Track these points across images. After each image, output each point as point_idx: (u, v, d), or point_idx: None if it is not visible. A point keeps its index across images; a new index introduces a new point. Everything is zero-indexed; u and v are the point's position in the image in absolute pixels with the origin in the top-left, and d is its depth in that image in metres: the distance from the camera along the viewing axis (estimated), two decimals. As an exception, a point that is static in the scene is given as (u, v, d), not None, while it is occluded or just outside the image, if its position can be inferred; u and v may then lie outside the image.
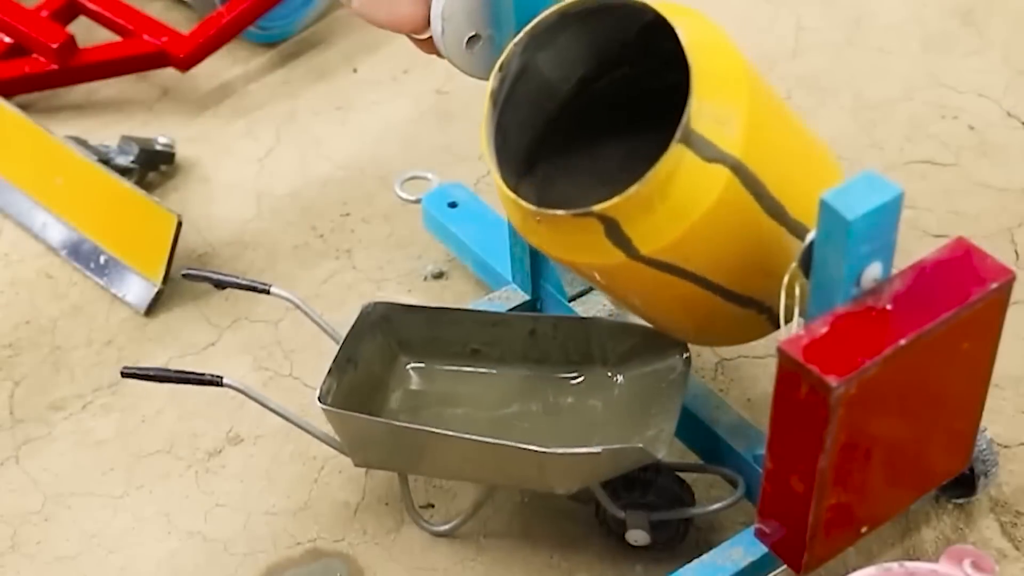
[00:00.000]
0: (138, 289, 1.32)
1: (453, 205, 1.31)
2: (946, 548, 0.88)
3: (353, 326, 1.09)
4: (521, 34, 0.92)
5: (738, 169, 0.86)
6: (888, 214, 0.80)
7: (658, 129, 0.88)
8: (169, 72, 1.57)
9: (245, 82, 1.59)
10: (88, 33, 1.60)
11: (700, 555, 1.01)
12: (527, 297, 1.21)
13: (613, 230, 0.87)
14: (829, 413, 0.80)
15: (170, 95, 1.58)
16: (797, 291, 0.87)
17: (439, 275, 1.34)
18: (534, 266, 1.19)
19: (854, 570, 0.84)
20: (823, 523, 0.88)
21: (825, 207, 0.79)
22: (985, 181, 1.40)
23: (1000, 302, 0.86)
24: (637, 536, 1.05)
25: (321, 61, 1.61)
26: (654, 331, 1.06)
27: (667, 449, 0.98)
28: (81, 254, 1.37)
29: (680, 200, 0.85)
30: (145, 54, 1.54)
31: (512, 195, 0.89)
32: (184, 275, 1.14)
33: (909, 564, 0.84)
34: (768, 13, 1.64)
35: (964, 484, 1.08)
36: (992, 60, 1.55)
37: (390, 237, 1.39)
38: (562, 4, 0.90)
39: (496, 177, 0.90)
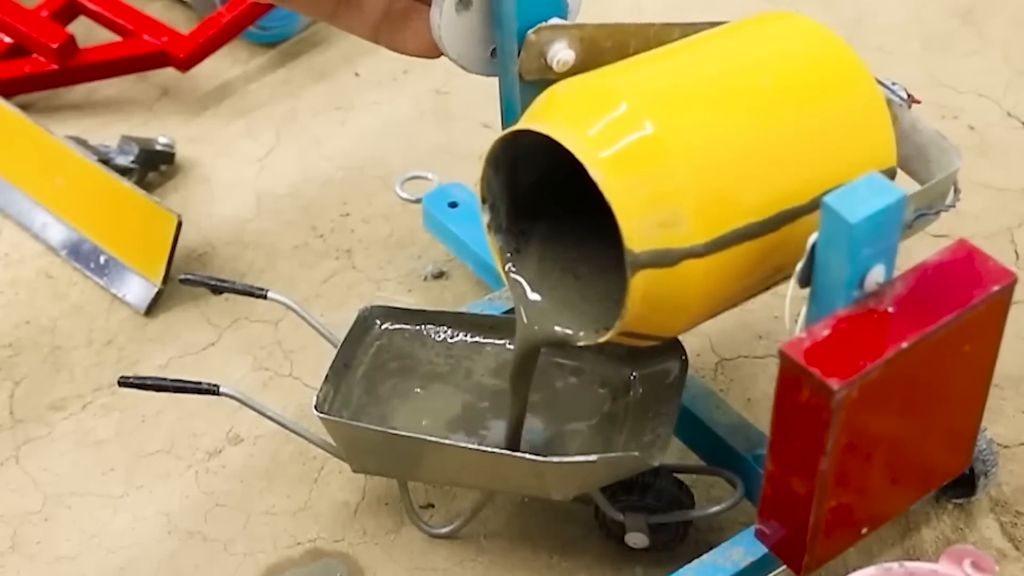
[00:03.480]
0: (138, 289, 1.32)
1: (453, 205, 1.31)
2: (946, 548, 0.88)
3: (350, 330, 1.09)
4: (482, 167, 0.91)
5: (709, 247, 0.85)
6: (890, 217, 0.80)
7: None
8: (169, 72, 1.57)
9: (245, 82, 1.59)
10: (88, 33, 1.60)
11: (700, 555, 1.01)
12: (527, 297, 1.21)
13: (633, 335, 0.89)
14: (831, 415, 0.80)
15: (170, 95, 1.58)
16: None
17: (439, 275, 1.34)
18: (534, 267, 1.19)
19: (854, 570, 0.84)
20: (824, 524, 0.88)
21: (827, 209, 0.79)
22: (985, 181, 1.40)
23: (1002, 304, 0.86)
24: (636, 539, 1.05)
25: (321, 61, 1.61)
26: None
27: (664, 455, 0.98)
28: (81, 254, 1.37)
29: (667, 305, 0.86)
30: (145, 54, 1.54)
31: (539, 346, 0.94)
32: (181, 280, 1.14)
33: (909, 564, 0.84)
34: (768, 13, 1.64)
35: (964, 484, 1.08)
36: (992, 60, 1.55)
37: (390, 237, 1.39)
38: (501, 134, 0.89)
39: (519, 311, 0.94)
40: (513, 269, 0.95)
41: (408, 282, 1.34)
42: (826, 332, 0.82)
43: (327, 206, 1.43)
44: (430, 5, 0.96)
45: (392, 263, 1.36)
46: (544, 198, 0.96)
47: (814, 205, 0.86)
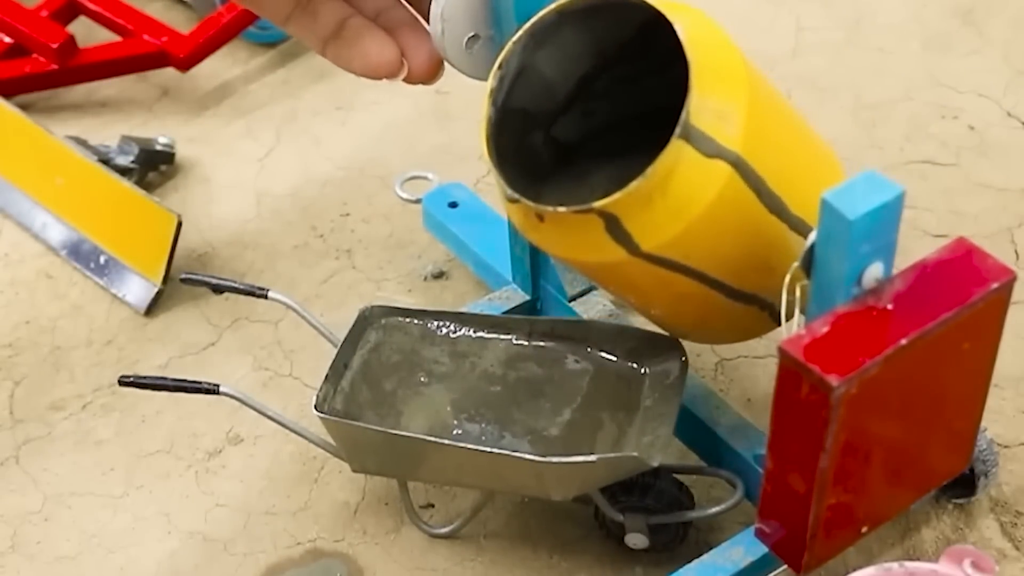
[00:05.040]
0: (138, 289, 1.32)
1: (453, 205, 1.31)
2: (946, 548, 0.88)
3: (350, 330, 1.09)
4: (520, 32, 0.91)
5: (738, 165, 0.86)
6: (889, 214, 0.80)
7: (662, 130, 0.87)
8: (169, 72, 1.57)
9: (245, 82, 1.59)
10: (88, 33, 1.60)
11: (700, 555, 1.00)
12: (527, 297, 1.21)
13: (614, 226, 0.87)
14: (830, 412, 0.80)
15: (170, 95, 1.58)
16: (798, 290, 0.87)
17: (439, 275, 1.34)
18: (534, 266, 1.19)
19: (854, 570, 0.83)
20: (823, 523, 0.88)
21: (826, 206, 0.79)
22: (985, 181, 1.40)
23: (1001, 302, 0.86)
24: (636, 539, 1.05)
25: (321, 61, 1.59)
26: (652, 334, 1.06)
27: (663, 456, 0.97)
28: (81, 254, 1.37)
29: (680, 196, 0.85)
30: (145, 54, 1.54)
31: (512, 193, 0.89)
32: (182, 280, 1.14)
33: (909, 564, 0.84)
34: (768, 13, 1.64)
35: (964, 484, 1.08)
36: (992, 60, 1.55)
37: (390, 237, 1.38)
38: (561, 2, 0.90)
39: (496, 176, 0.90)
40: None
41: (408, 282, 1.34)
42: (825, 329, 0.82)
43: (327, 206, 1.43)
44: (384, 28, 0.95)
45: (392, 263, 1.36)
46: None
47: (799, 224, 0.90)
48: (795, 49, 1.58)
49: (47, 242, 1.39)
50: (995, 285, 0.85)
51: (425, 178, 1.42)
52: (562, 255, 0.92)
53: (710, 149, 0.85)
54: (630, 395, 1.06)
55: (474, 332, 1.11)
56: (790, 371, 0.81)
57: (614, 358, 1.08)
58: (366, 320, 1.10)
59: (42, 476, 1.18)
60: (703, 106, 0.85)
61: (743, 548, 0.99)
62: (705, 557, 1.00)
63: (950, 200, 1.38)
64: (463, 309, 1.18)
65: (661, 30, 0.87)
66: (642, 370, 1.07)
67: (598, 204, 0.85)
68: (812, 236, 0.82)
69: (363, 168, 1.47)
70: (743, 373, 1.23)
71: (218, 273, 1.34)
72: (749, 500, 1.04)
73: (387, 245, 1.38)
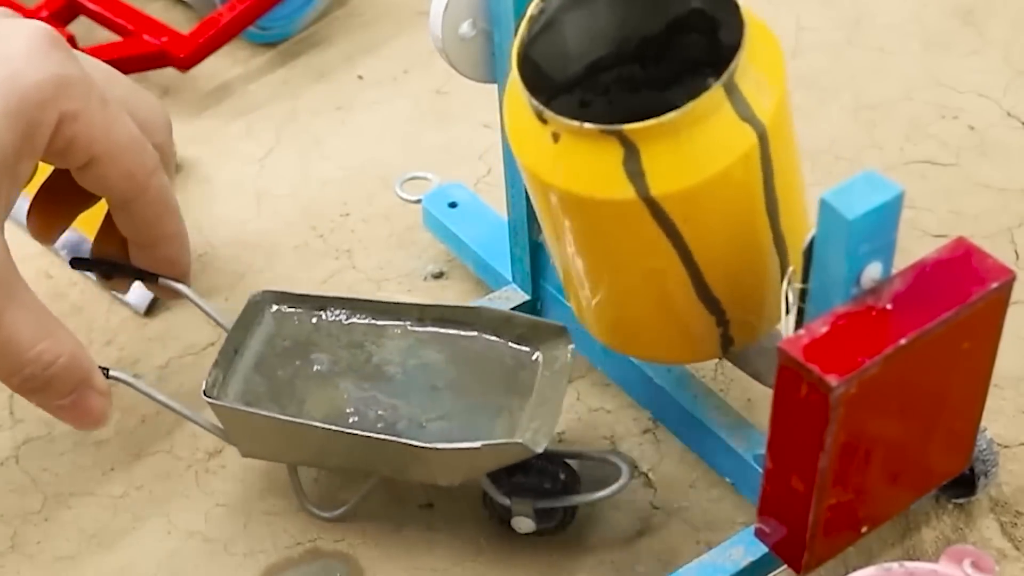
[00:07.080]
0: (138, 289, 1.32)
1: (453, 205, 1.31)
2: (946, 548, 0.88)
3: (240, 315, 1.09)
4: None
5: (763, 139, 0.86)
6: (889, 213, 0.80)
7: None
8: (169, 72, 1.57)
9: (245, 82, 1.59)
10: (88, 33, 1.60)
11: (700, 555, 1.01)
12: (527, 297, 1.21)
13: (631, 159, 0.85)
14: (829, 412, 0.80)
15: (170, 95, 1.58)
16: (792, 294, 0.87)
17: (439, 275, 1.34)
18: (534, 266, 1.19)
19: (854, 570, 0.83)
20: (823, 523, 0.88)
21: (825, 206, 0.79)
22: (985, 181, 1.40)
23: (1000, 302, 0.86)
24: (521, 523, 1.05)
25: (321, 61, 1.61)
26: (539, 321, 1.07)
27: (548, 442, 0.98)
28: (81, 254, 1.36)
29: (705, 146, 0.85)
30: (145, 54, 1.53)
31: (536, 103, 0.87)
32: (72, 263, 1.18)
33: (909, 564, 0.84)
34: (768, 13, 1.62)
35: (964, 484, 1.08)
36: (992, 60, 1.55)
37: (390, 237, 1.39)
38: None
39: (520, 87, 0.88)
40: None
41: (408, 282, 1.34)
42: (824, 329, 0.82)
43: (327, 206, 1.43)
44: None
45: (392, 263, 1.36)
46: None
47: (780, 241, 0.92)
48: (795, 49, 1.58)
49: (47, 242, 1.39)
50: (995, 285, 0.85)
51: (425, 178, 1.42)
52: (567, 187, 0.89)
53: (744, 112, 0.86)
54: (522, 380, 1.06)
55: (368, 319, 1.11)
56: (789, 371, 0.81)
57: (507, 343, 1.08)
58: (257, 305, 1.11)
59: (42, 476, 1.18)
60: (748, 71, 0.86)
61: (743, 548, 0.99)
62: (705, 557, 1.00)
63: (950, 200, 1.38)
64: (359, 295, 1.17)
65: (687, 35, 0.87)
66: (533, 356, 1.07)
67: (627, 127, 0.84)
68: (811, 233, 0.82)
69: (363, 168, 1.47)
70: (743, 373, 1.22)
71: (218, 274, 1.34)
72: (748, 498, 1.04)
73: (387, 245, 1.38)
